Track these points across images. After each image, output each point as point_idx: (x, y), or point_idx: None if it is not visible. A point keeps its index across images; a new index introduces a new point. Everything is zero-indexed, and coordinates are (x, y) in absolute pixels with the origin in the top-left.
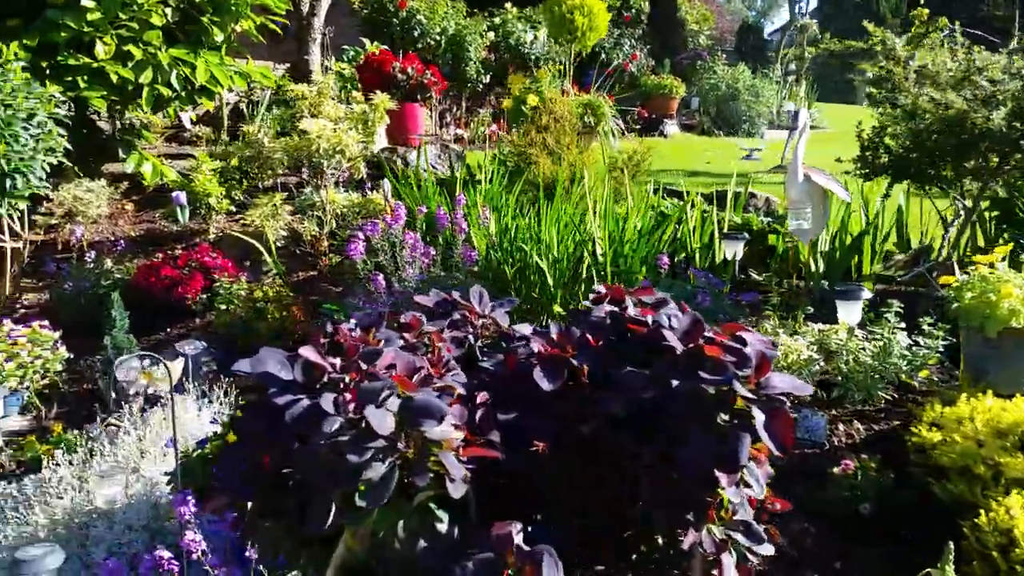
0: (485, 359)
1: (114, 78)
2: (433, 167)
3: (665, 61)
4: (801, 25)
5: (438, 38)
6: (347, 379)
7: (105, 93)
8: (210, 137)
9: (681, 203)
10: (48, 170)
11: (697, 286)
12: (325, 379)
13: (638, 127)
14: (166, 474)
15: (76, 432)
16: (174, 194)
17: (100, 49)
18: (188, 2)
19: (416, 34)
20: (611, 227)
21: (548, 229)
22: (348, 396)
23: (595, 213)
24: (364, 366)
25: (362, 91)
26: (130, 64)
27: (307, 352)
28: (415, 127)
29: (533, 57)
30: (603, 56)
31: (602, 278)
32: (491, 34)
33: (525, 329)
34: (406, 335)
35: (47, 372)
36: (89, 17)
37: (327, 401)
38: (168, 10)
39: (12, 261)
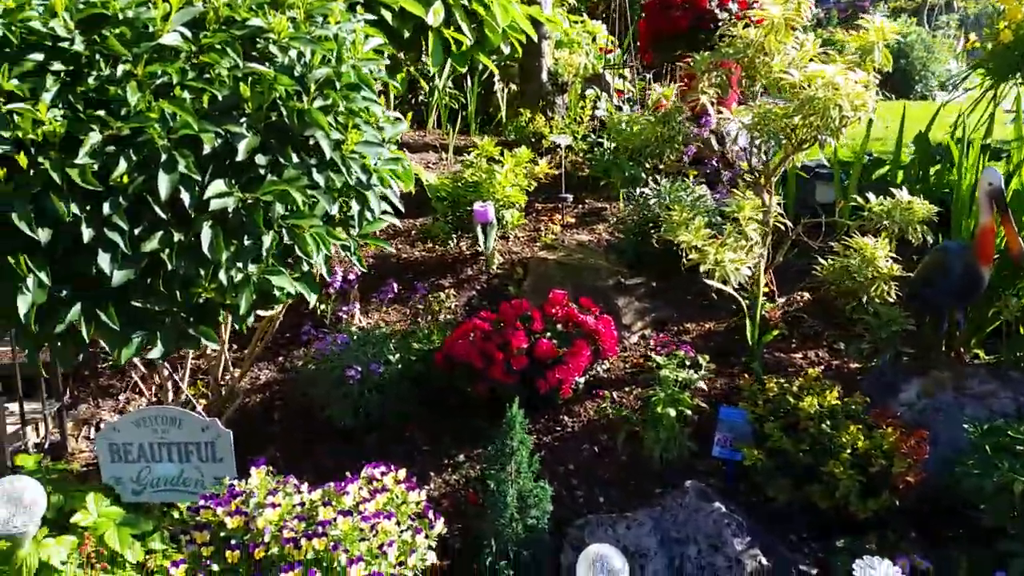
0: None
1: (390, 18)
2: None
3: (832, 13)
4: None
5: None
6: None
7: (384, 40)
8: None
9: None
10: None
11: None
12: None
13: None
14: None
15: None
16: (478, 207)
17: None
18: None
19: None
20: None
21: None
22: None
23: None
24: None
25: (641, 48)
26: None
27: None
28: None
29: None
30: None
31: None
32: None
33: None
34: None
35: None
36: None
37: None
38: None
39: (257, 333)
